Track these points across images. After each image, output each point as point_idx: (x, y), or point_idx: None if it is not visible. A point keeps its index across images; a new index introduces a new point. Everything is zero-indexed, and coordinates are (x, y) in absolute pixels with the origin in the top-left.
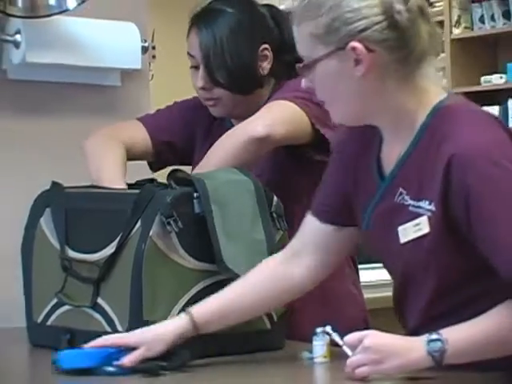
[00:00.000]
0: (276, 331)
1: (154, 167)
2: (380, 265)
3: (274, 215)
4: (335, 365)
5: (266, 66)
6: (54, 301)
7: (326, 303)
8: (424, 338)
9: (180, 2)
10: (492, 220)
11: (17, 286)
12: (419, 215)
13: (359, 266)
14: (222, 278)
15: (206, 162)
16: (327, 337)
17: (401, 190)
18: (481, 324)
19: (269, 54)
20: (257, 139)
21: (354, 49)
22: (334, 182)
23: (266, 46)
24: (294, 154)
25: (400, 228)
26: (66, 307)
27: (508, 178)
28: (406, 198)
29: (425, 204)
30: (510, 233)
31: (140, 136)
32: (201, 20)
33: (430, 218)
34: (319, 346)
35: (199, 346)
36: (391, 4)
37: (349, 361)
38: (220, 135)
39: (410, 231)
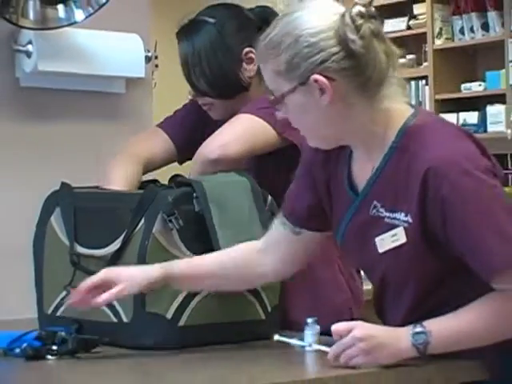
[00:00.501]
0: (270, 321)
1: (180, 162)
2: None
3: (269, 213)
4: (325, 353)
5: (252, 67)
6: (64, 293)
7: (313, 292)
8: (409, 329)
9: (181, 15)
10: (467, 228)
11: (28, 280)
12: (395, 226)
13: None
14: None
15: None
16: (317, 326)
17: (375, 203)
18: (464, 315)
19: (254, 56)
20: (211, 161)
21: (316, 81)
22: (301, 191)
23: (251, 49)
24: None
25: (377, 239)
26: None
27: (480, 187)
28: (381, 210)
29: (400, 215)
30: (484, 238)
31: (160, 145)
32: (184, 32)
33: (406, 229)
34: (310, 335)
35: (196, 334)
36: (345, 34)
37: (335, 350)
38: None
39: (388, 241)
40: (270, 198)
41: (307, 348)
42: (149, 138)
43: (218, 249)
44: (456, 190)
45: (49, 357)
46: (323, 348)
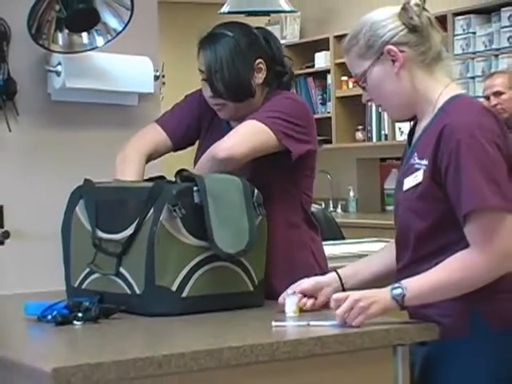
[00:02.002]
0: (257, 293)
1: (175, 151)
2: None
3: (255, 204)
4: (301, 316)
5: (260, 76)
6: (87, 270)
7: (291, 271)
8: (389, 287)
9: (184, 41)
10: (461, 171)
11: (58, 258)
12: (418, 169)
13: (326, 243)
14: (215, 252)
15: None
16: (296, 296)
17: (415, 153)
18: (435, 271)
19: (263, 66)
20: (219, 161)
21: (389, 51)
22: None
23: (261, 60)
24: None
25: (405, 179)
26: (96, 275)
27: (479, 148)
28: (415, 158)
29: (423, 161)
30: (471, 181)
31: (159, 138)
32: (206, 42)
33: (424, 171)
34: (290, 303)
35: (196, 304)
36: (407, 15)
37: (340, 314)
38: (217, 131)
39: (410, 181)
40: (256, 191)
41: (287, 314)
42: (148, 136)
43: (211, 235)
44: (460, 145)
45: (75, 322)
46: (318, 323)
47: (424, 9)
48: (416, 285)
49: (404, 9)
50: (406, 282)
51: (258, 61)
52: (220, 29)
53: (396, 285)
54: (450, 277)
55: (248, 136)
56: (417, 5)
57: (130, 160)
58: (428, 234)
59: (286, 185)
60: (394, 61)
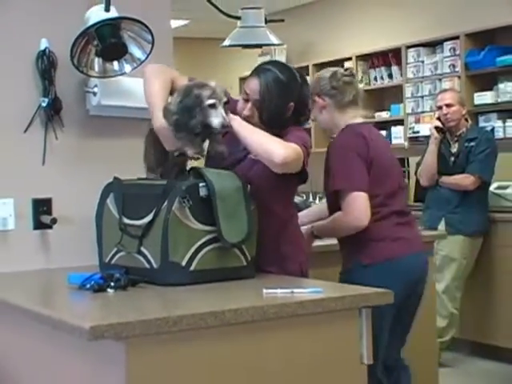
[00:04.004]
0: (249, 267)
1: None
2: None
3: (249, 196)
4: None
5: (287, 114)
6: (115, 249)
7: (278, 249)
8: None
9: (194, 67)
10: (331, 165)
11: (93, 240)
12: None
13: None
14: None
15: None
16: None
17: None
18: (331, 219)
19: (291, 108)
20: (276, 164)
21: (316, 99)
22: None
23: (292, 103)
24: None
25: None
26: (122, 253)
27: (340, 153)
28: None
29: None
30: (333, 170)
31: (180, 79)
32: (257, 73)
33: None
34: None
35: (202, 276)
36: (333, 79)
37: None
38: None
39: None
40: (248, 187)
41: (289, 293)
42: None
43: (220, 230)
44: (333, 148)
45: (108, 290)
46: (300, 290)
47: (345, 75)
48: (319, 224)
49: (331, 75)
50: (315, 225)
51: (291, 104)
52: (268, 65)
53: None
54: (333, 224)
55: (300, 154)
56: (340, 72)
57: (159, 77)
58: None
59: (286, 188)
60: (320, 103)
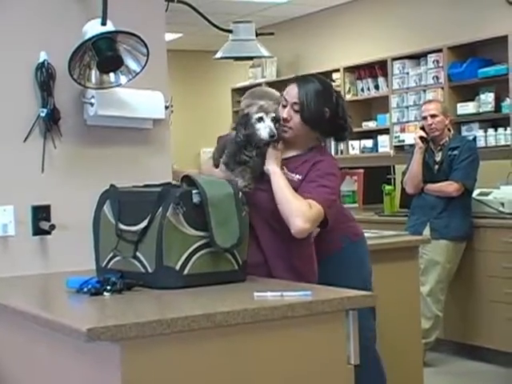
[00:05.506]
0: (241, 271)
1: None
2: None
3: (241, 203)
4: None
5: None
6: (111, 254)
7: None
8: None
9: (188, 79)
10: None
11: (90, 245)
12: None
13: None
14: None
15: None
16: None
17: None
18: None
19: (328, 113)
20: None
21: None
22: None
23: (328, 110)
24: None
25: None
26: (118, 257)
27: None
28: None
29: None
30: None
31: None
32: (296, 79)
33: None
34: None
35: (195, 280)
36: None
37: None
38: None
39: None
40: (240, 193)
41: (279, 296)
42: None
43: (212, 236)
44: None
45: (105, 293)
46: (289, 293)
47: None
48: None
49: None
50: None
51: (327, 109)
52: (311, 76)
53: None
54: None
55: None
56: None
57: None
58: None
59: None
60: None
